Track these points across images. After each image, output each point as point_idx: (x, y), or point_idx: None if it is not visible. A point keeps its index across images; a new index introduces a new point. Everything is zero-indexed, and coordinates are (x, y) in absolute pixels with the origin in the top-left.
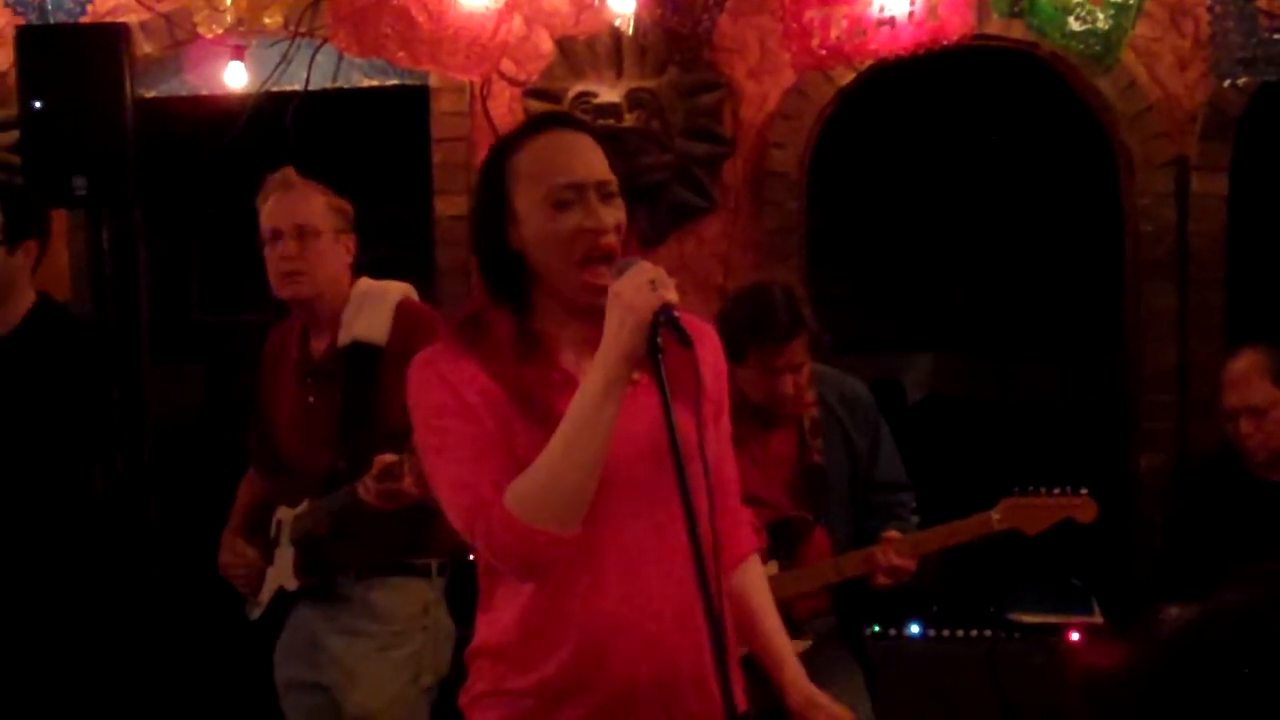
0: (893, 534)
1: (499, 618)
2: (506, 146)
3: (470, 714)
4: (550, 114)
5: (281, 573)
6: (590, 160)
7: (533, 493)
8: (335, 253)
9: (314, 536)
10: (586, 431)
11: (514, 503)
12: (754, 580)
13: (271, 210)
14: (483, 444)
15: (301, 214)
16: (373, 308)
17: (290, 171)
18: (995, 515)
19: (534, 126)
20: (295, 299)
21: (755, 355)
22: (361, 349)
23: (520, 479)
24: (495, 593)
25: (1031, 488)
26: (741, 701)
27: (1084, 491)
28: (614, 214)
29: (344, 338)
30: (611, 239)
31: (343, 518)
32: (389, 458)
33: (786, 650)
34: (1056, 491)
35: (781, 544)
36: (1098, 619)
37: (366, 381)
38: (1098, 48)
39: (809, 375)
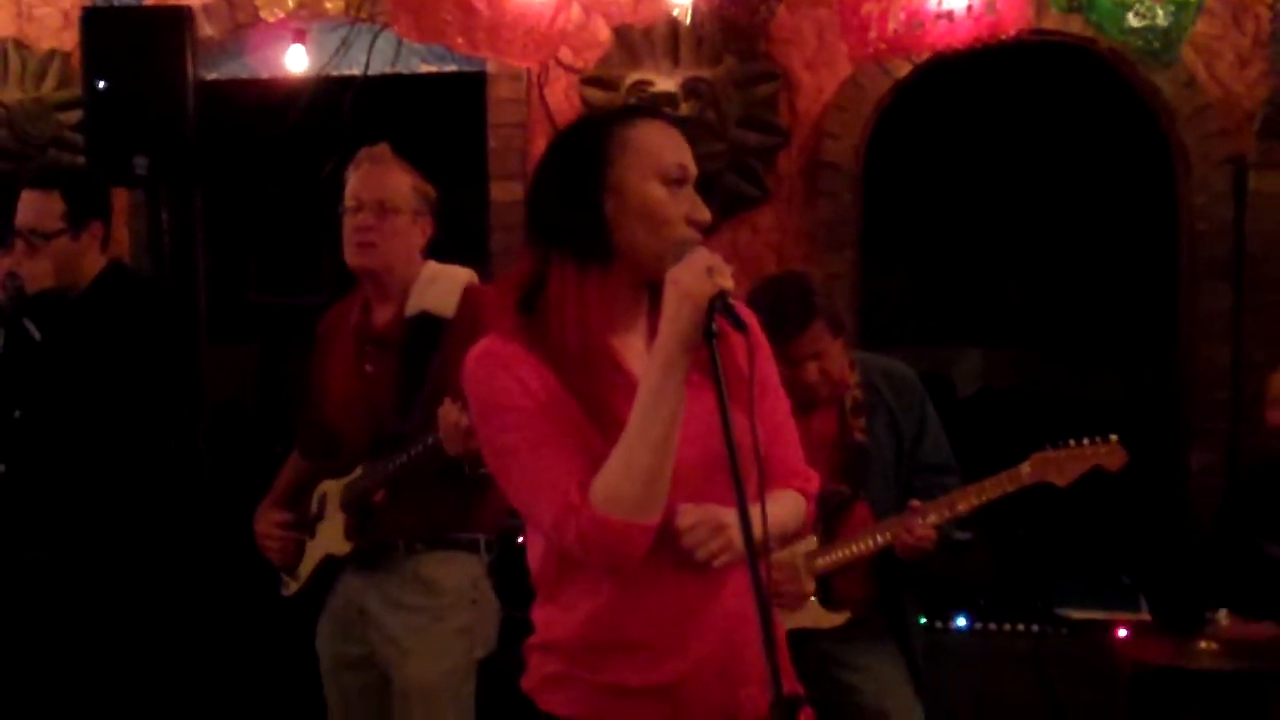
0: (915, 503)
1: (569, 617)
2: (612, 119)
3: (539, 696)
4: (659, 108)
5: (329, 540)
6: (691, 158)
7: (616, 489)
8: (410, 232)
9: (367, 501)
10: (652, 420)
11: (601, 502)
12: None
13: (357, 182)
14: (560, 443)
15: (384, 189)
16: (443, 285)
17: (385, 148)
18: (1025, 468)
19: (645, 112)
20: (362, 268)
21: (773, 350)
22: (427, 319)
23: (600, 479)
24: (562, 588)
25: (1061, 441)
26: (791, 685)
27: (1113, 438)
28: None
29: (412, 308)
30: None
31: (398, 482)
32: None
33: None
34: (1086, 441)
35: (820, 517)
36: (1145, 616)
37: (429, 350)
38: (1156, 44)
39: (839, 359)
